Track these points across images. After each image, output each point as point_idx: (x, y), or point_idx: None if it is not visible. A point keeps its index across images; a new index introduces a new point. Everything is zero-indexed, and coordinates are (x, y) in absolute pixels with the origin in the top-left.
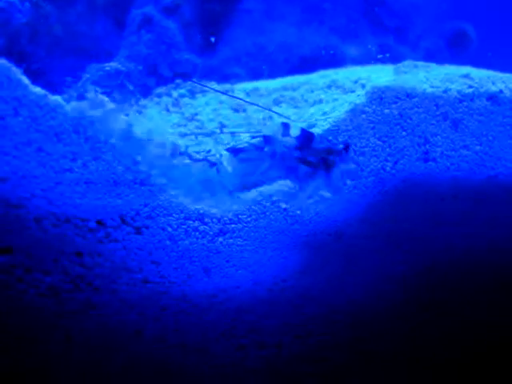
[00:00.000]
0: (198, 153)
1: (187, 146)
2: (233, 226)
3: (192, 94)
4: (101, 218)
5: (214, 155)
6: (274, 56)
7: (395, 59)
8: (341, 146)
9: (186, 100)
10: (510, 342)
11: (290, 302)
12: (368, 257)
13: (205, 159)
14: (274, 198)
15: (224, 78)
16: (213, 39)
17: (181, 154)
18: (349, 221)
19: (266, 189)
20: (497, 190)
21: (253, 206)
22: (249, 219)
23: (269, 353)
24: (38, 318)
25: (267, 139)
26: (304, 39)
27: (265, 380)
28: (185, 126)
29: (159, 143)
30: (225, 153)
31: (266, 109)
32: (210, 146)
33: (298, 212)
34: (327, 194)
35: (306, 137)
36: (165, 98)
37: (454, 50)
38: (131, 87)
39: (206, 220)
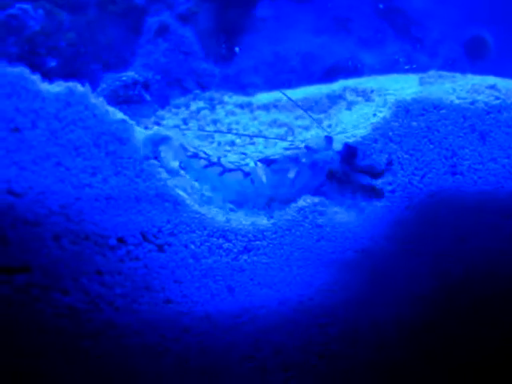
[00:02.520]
0: (231, 163)
1: (219, 157)
2: (257, 242)
3: (211, 104)
4: (121, 235)
5: (246, 165)
6: (291, 64)
7: (415, 67)
8: (382, 167)
9: (206, 112)
10: None
11: (315, 321)
12: (394, 274)
13: (239, 169)
14: (304, 214)
15: (241, 87)
16: (237, 49)
17: (214, 164)
18: (376, 238)
19: (296, 204)
20: None
21: (279, 222)
22: (274, 236)
23: (293, 374)
24: (56, 339)
25: (309, 151)
26: (321, 47)
27: None
28: (206, 137)
29: (190, 154)
30: (259, 163)
31: (313, 118)
32: (238, 157)
33: (328, 229)
34: (355, 214)
35: (349, 152)
36: (183, 109)
37: (472, 58)
38: (148, 97)
39: (230, 237)
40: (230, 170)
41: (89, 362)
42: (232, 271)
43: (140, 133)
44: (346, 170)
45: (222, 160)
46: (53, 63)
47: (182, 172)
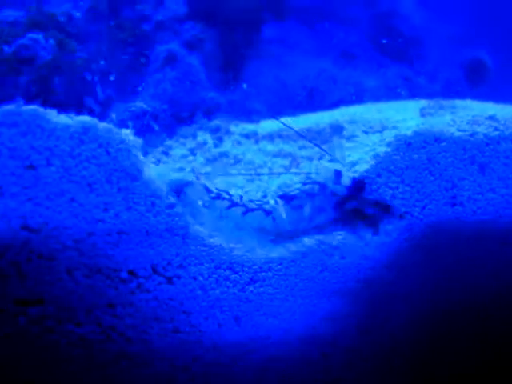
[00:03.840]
0: (252, 202)
1: (241, 197)
2: (263, 274)
3: (218, 136)
4: (133, 268)
5: (267, 203)
6: (293, 91)
7: (414, 91)
8: (387, 200)
9: (210, 142)
10: None
11: (320, 349)
12: (394, 303)
13: (260, 208)
14: (309, 247)
15: (246, 113)
16: (245, 85)
17: (236, 204)
18: (377, 268)
19: (302, 237)
20: None
21: (284, 254)
22: (279, 267)
23: None
24: (70, 370)
25: (321, 185)
26: (323, 71)
27: None
28: (213, 170)
29: (214, 196)
30: (279, 200)
31: (325, 151)
32: (253, 191)
33: (331, 260)
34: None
35: (357, 187)
36: (190, 139)
37: (472, 81)
38: (157, 127)
39: (237, 268)
40: (253, 210)
41: None
42: (239, 302)
43: (150, 168)
44: (355, 204)
45: (244, 200)
46: (61, 92)
47: (204, 210)
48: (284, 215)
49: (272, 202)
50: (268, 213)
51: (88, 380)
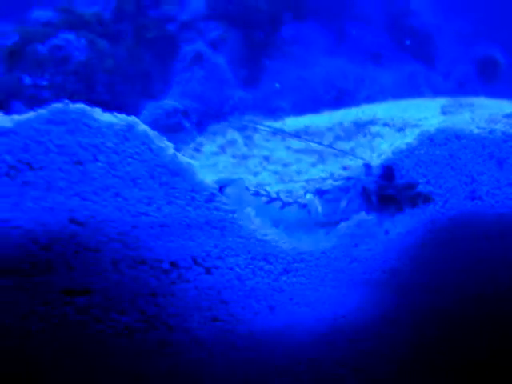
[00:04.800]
0: (288, 196)
1: (278, 192)
2: (296, 265)
3: (246, 133)
4: (174, 259)
5: (302, 197)
6: (316, 88)
7: (432, 88)
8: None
9: (240, 139)
10: None
11: (348, 337)
12: (418, 292)
13: (296, 202)
14: (339, 239)
15: (270, 111)
16: (277, 85)
17: (274, 199)
18: (402, 259)
19: (332, 229)
20: None
21: (316, 246)
22: (310, 258)
23: None
24: (115, 357)
25: (351, 180)
26: (342, 70)
27: None
28: (245, 166)
29: (252, 193)
30: (312, 195)
31: (344, 152)
32: (283, 188)
33: (359, 252)
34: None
35: (388, 174)
36: (219, 137)
37: (484, 79)
38: (188, 125)
39: (271, 259)
40: (289, 204)
41: (146, 379)
42: (273, 291)
43: (190, 164)
44: (388, 192)
45: (281, 195)
46: (101, 91)
47: (244, 204)
48: (319, 208)
49: (308, 196)
50: (303, 206)
51: (133, 367)
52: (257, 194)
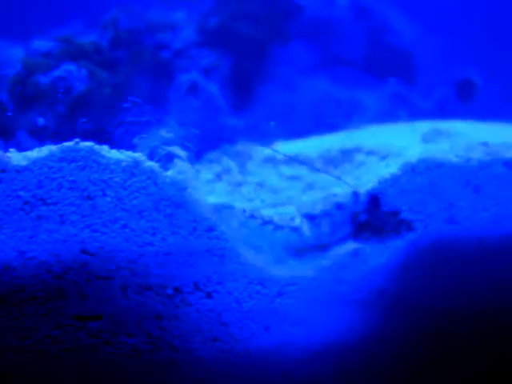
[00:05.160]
0: (280, 220)
1: (271, 216)
2: (289, 287)
3: (240, 161)
4: (177, 285)
5: (292, 220)
6: (302, 112)
7: (410, 111)
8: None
9: (234, 167)
10: None
11: (338, 354)
12: (404, 312)
13: (287, 226)
14: (328, 263)
15: (260, 136)
16: (272, 123)
17: (267, 222)
18: (387, 280)
19: (322, 254)
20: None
21: (306, 270)
22: (302, 281)
23: None
24: (124, 377)
25: (340, 206)
26: (327, 92)
27: None
28: (240, 193)
29: (248, 215)
30: (304, 219)
31: (335, 177)
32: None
33: (348, 274)
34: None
35: (374, 202)
36: (215, 165)
37: (463, 99)
38: (185, 154)
39: (267, 283)
40: (281, 227)
41: None
42: (268, 313)
43: (191, 195)
44: (373, 219)
45: (274, 219)
46: (84, 122)
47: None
48: (308, 232)
49: (298, 220)
50: (294, 229)
51: None
52: (252, 216)
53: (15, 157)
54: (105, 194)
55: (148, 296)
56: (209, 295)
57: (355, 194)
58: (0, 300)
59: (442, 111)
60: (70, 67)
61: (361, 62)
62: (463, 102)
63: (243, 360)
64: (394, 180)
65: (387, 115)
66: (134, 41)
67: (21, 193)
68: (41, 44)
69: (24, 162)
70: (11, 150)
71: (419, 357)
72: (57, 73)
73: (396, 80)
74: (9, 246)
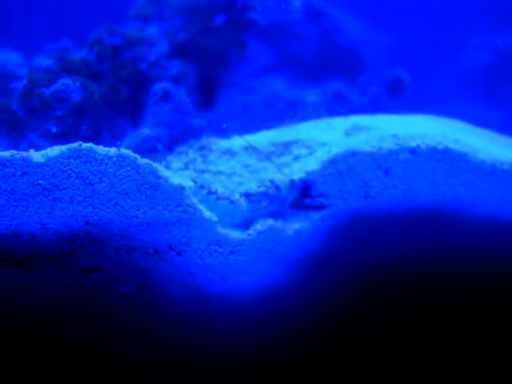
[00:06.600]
0: (223, 193)
1: (216, 189)
2: (239, 247)
3: (203, 153)
4: (156, 246)
5: (232, 195)
6: (256, 110)
7: (347, 105)
8: (323, 195)
9: (198, 158)
10: None
11: (276, 298)
12: (329, 266)
13: (228, 198)
14: (269, 228)
15: (220, 133)
16: (224, 126)
17: (212, 193)
18: (316, 243)
19: (263, 221)
20: (418, 215)
21: (252, 235)
22: (249, 242)
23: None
24: (118, 314)
25: (276, 188)
26: (278, 91)
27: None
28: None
29: (198, 187)
30: (241, 196)
31: (276, 165)
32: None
33: (284, 238)
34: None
35: (305, 187)
36: (183, 156)
37: (393, 95)
38: (160, 148)
39: (222, 244)
40: (222, 198)
41: (135, 330)
42: (224, 266)
43: (168, 181)
44: (303, 199)
45: (218, 191)
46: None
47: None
48: (244, 206)
49: (237, 195)
50: (232, 202)
51: (129, 322)
52: (202, 187)
53: (35, 155)
54: (101, 181)
55: (135, 255)
56: (179, 253)
57: (291, 181)
58: (28, 259)
59: (375, 106)
60: (67, 81)
61: (312, 62)
62: (393, 97)
63: (205, 301)
64: (321, 168)
65: (328, 111)
66: (116, 55)
67: (41, 181)
68: (41, 61)
69: (42, 159)
70: (31, 150)
71: (345, 300)
72: (57, 86)
73: (339, 79)
74: (34, 220)
